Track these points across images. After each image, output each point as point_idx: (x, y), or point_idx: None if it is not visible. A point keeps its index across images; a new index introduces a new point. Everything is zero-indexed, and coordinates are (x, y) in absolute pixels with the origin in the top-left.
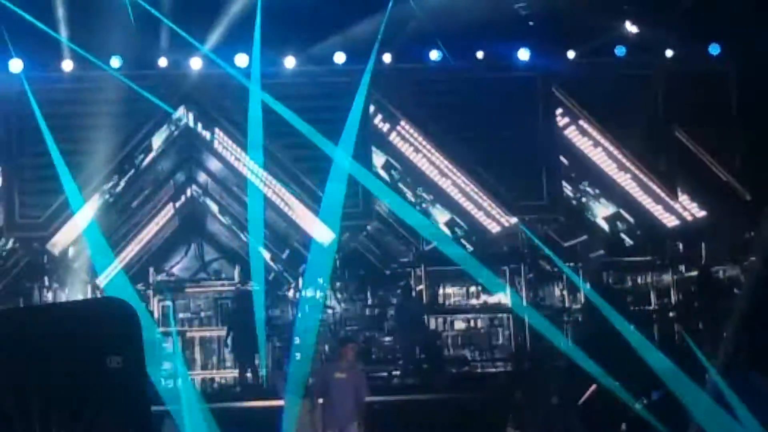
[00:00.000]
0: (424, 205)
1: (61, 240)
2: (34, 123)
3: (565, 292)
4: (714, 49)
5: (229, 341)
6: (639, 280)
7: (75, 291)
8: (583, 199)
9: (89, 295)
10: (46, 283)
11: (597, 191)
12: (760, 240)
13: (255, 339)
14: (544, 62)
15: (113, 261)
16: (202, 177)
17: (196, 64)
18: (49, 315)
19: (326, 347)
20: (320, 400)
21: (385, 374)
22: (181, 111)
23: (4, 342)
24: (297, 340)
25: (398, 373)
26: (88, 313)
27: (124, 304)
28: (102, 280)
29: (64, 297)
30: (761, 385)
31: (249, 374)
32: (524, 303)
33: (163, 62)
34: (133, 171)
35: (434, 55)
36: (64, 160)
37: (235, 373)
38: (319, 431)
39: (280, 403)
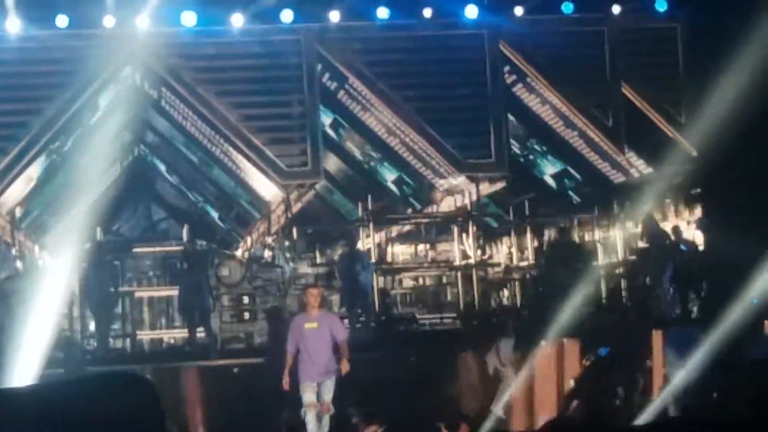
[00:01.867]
0: (372, 164)
1: (8, 201)
2: None
3: (513, 250)
4: (661, 5)
5: (178, 301)
6: (586, 237)
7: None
8: (531, 156)
9: (36, 255)
10: None
11: (544, 148)
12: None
13: (205, 299)
14: (492, 19)
15: (60, 221)
16: (150, 137)
17: (142, 22)
18: (65, 392)
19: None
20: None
21: None
22: (127, 70)
23: (22, 421)
24: (246, 300)
25: None
26: (105, 389)
27: (141, 379)
28: (49, 240)
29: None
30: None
31: (199, 334)
32: (472, 261)
33: (109, 21)
34: (79, 130)
35: (382, 12)
36: (9, 120)
37: (185, 333)
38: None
39: (230, 362)
